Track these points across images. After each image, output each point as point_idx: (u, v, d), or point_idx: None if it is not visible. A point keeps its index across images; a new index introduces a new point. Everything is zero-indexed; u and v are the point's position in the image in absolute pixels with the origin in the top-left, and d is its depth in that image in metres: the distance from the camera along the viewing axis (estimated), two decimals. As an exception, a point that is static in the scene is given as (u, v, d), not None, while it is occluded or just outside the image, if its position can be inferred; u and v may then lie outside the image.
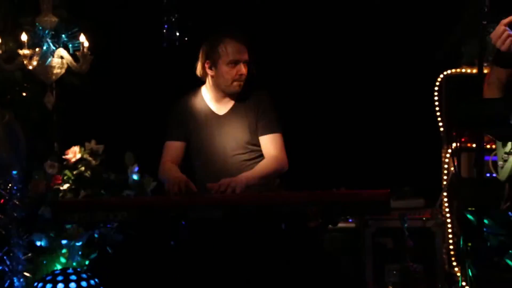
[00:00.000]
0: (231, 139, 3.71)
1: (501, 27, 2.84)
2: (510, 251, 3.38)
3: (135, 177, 3.95)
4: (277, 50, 4.61)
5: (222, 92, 3.70)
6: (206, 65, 3.65)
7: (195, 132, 3.74)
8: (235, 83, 3.64)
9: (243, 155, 3.66)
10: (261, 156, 3.68)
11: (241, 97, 3.75)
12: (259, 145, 3.70)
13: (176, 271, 3.41)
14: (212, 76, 3.64)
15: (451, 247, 4.05)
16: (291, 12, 4.74)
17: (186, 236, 3.41)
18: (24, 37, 3.81)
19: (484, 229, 3.41)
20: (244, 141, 3.70)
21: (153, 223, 3.37)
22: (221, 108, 3.76)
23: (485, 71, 3.26)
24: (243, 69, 3.62)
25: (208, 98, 3.75)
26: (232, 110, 3.75)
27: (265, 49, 4.02)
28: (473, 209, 3.46)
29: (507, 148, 3.33)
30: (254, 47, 3.71)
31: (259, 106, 3.75)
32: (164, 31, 4.10)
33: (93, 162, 3.88)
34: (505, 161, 3.36)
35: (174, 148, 3.73)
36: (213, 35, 3.71)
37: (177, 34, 4.17)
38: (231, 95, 3.72)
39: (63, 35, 4.01)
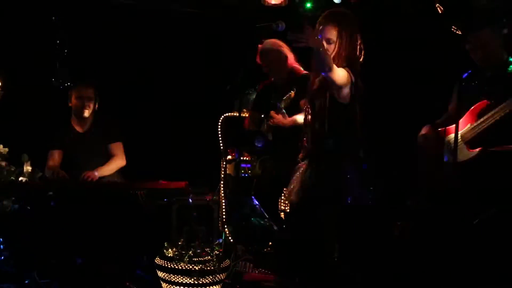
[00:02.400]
0: (89, 148, 4.29)
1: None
2: (252, 218, 4.63)
3: (28, 169, 4.11)
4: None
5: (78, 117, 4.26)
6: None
7: (67, 143, 4.33)
8: (82, 111, 4.20)
9: (98, 157, 4.29)
10: (109, 158, 4.31)
11: (96, 120, 4.29)
12: (108, 151, 4.32)
13: (52, 230, 3.83)
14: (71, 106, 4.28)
15: (224, 216, 4.47)
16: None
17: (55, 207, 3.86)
18: (-44, 80, 4.15)
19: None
20: (98, 148, 4.30)
21: (38, 199, 3.86)
22: (82, 127, 4.30)
23: (246, 114, 4.63)
24: (85, 103, 4.16)
25: (75, 122, 4.31)
26: (89, 129, 4.30)
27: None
28: (235, 194, 4.62)
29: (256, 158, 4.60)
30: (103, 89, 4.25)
31: (108, 125, 4.31)
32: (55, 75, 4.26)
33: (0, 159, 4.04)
34: (254, 166, 4.61)
35: (54, 154, 4.30)
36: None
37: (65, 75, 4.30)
38: (85, 119, 4.24)
39: (-16, 79, 4.25)
